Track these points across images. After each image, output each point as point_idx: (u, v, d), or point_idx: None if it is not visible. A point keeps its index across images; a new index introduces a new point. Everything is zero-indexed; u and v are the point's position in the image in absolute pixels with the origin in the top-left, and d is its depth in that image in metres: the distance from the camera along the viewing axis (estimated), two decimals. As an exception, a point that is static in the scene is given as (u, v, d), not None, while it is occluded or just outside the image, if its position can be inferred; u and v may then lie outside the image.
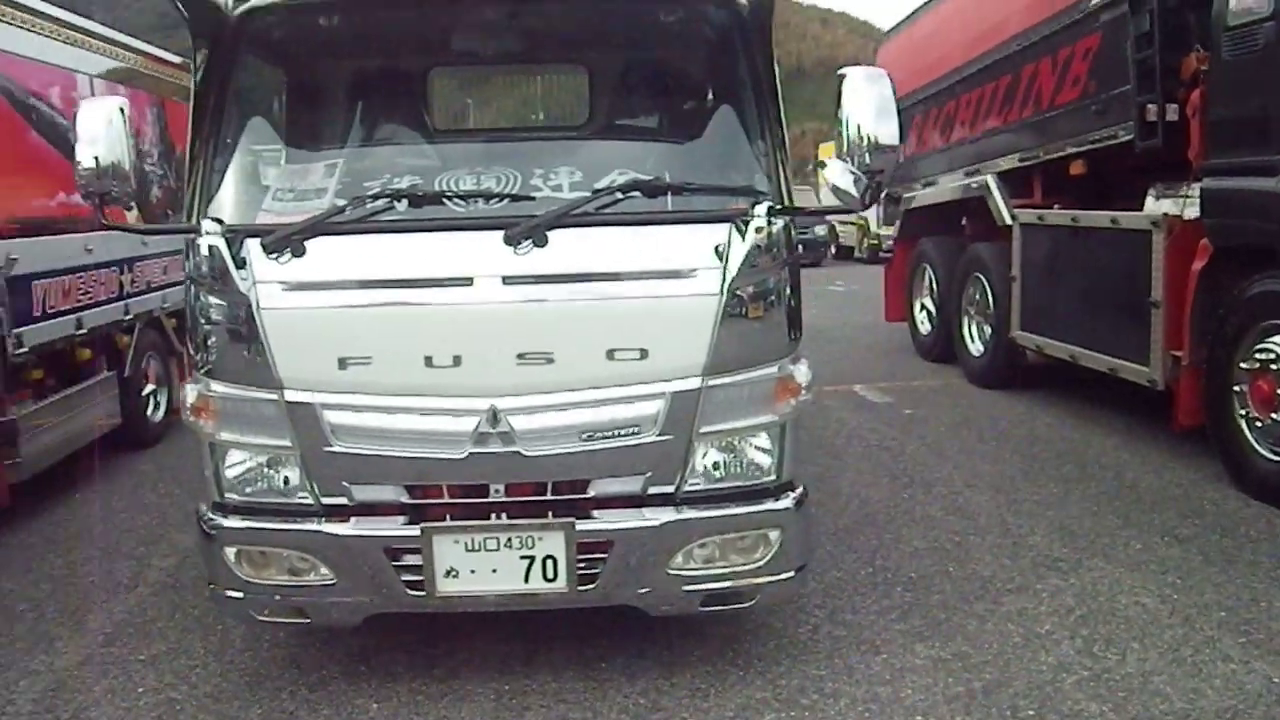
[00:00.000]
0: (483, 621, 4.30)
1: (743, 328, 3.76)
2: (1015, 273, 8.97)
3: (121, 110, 3.69)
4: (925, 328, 11.53)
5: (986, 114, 9.61)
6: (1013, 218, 8.97)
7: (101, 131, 3.63)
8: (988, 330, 9.73)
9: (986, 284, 9.67)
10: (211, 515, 3.90)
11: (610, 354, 3.66)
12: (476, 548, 3.71)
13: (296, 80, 4.53)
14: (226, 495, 3.88)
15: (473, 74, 4.63)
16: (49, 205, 6.99)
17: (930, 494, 6.44)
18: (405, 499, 3.78)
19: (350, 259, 3.68)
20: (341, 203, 3.80)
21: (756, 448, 3.87)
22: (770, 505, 3.85)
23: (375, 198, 3.77)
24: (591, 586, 3.77)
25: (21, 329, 6.31)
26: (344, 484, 3.77)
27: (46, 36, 6.95)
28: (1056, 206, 8.53)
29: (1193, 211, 6.56)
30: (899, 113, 3.58)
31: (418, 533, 3.70)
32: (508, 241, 3.57)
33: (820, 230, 29.61)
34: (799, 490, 3.96)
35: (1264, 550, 5.27)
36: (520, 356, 3.63)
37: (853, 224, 28.47)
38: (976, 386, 9.88)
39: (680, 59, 4.81)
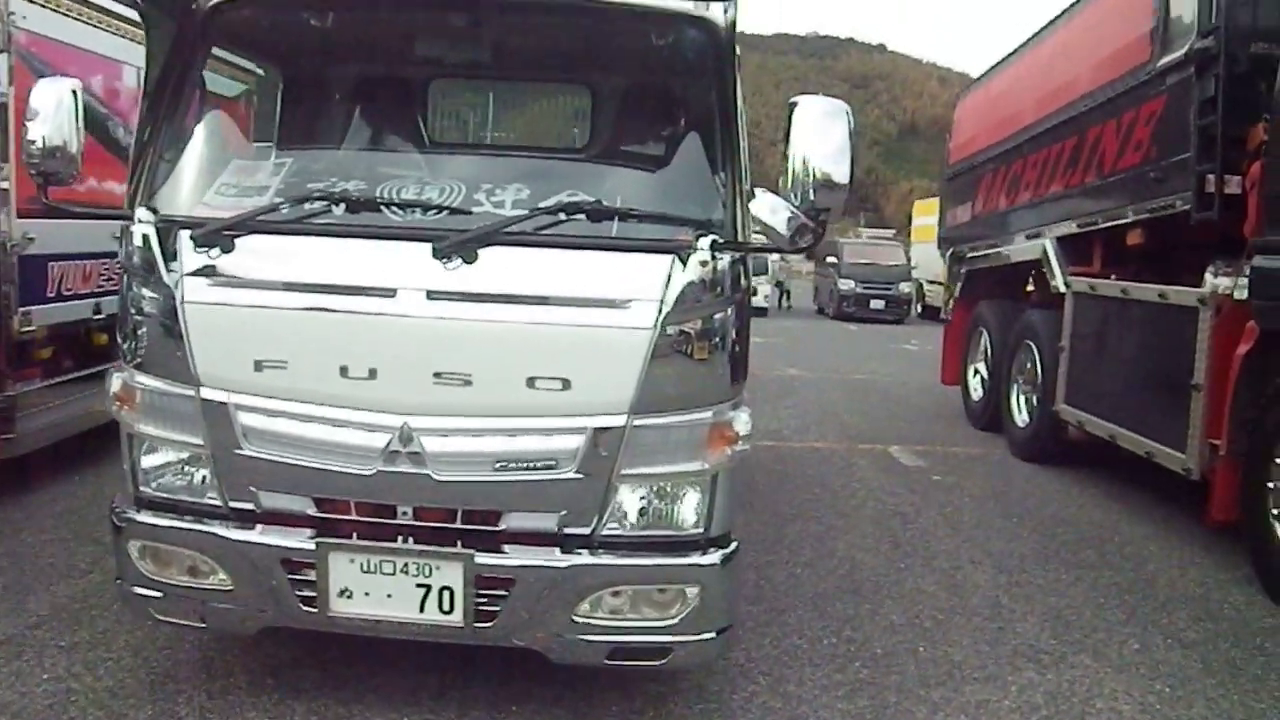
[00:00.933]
0: (407, 650, 4.08)
1: (676, 367, 3.50)
2: (1064, 343, 8.52)
3: (74, 92, 3.65)
4: (977, 394, 11.05)
5: (1051, 176, 9.17)
6: (1066, 285, 8.53)
7: (51, 112, 3.59)
8: (1034, 400, 9.25)
9: (1036, 352, 9.21)
10: (123, 508, 3.79)
11: (531, 381, 3.44)
12: (372, 570, 3.52)
13: (254, 77, 4.44)
14: (140, 489, 3.77)
15: (437, 84, 4.48)
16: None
17: (929, 567, 6.05)
18: (311, 511, 3.61)
19: (277, 259, 3.55)
20: (279, 201, 3.67)
21: (683, 497, 3.60)
22: (690, 560, 3.57)
23: (310, 200, 3.63)
24: (489, 625, 3.53)
25: (30, 307, 6.35)
26: (251, 489, 3.62)
27: (92, 25, 7.05)
28: (1114, 277, 8.07)
29: (1244, 292, 6.10)
30: (852, 149, 3.31)
31: (313, 547, 3.52)
32: (436, 255, 3.39)
33: (905, 287, 29.11)
34: (730, 547, 3.68)
35: (1277, 665, 4.78)
36: (437, 375, 3.44)
37: (940, 283, 27.91)
38: (1019, 459, 9.39)
39: (647, 80, 4.60)
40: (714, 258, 3.46)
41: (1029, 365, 9.41)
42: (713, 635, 3.65)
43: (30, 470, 6.65)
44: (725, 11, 3.62)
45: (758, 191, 3.36)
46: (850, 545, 6.40)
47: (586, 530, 3.54)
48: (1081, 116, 8.48)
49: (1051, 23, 9.77)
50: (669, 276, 3.43)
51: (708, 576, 3.59)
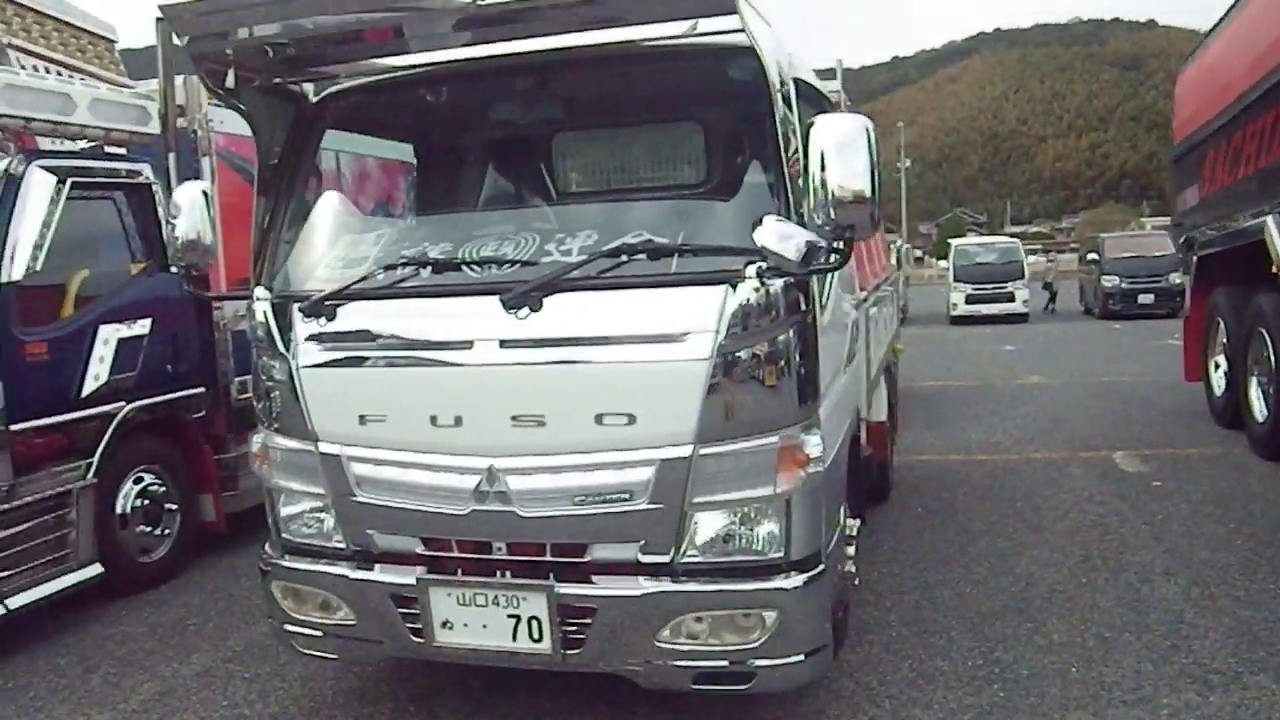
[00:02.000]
0: (531, 678, 4.31)
1: (738, 393, 3.54)
2: (1296, 328, 7.71)
3: (205, 194, 4.19)
4: (1219, 389, 10.14)
5: (1270, 144, 8.35)
6: (1293, 265, 7.72)
7: (187, 210, 4.13)
8: (1272, 392, 8.41)
9: (1268, 340, 8.38)
10: (268, 553, 4.26)
11: (599, 418, 3.60)
12: (467, 602, 3.78)
13: (351, 159, 4.84)
14: (280, 536, 4.24)
15: (514, 144, 4.74)
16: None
17: (1114, 581, 5.67)
18: (420, 550, 3.93)
19: (373, 322, 3.91)
20: (373, 270, 4.02)
21: (758, 522, 3.62)
22: (766, 584, 3.59)
23: (397, 266, 3.96)
24: (577, 651, 3.70)
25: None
26: (368, 532, 4.00)
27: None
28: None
29: None
30: (873, 159, 3.24)
31: (414, 583, 3.82)
32: (504, 306, 3.62)
33: (1176, 278, 26.86)
34: (816, 569, 3.67)
35: None
36: (514, 418, 3.67)
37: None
38: (1261, 458, 8.55)
39: (697, 116, 4.65)
40: (763, 283, 3.49)
41: (1265, 355, 8.57)
42: (800, 658, 3.64)
43: (252, 522, 7.39)
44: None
45: (766, 219, 3.34)
46: (1034, 561, 6.09)
47: (666, 558, 3.64)
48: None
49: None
50: (723, 307, 3.49)
51: (787, 600, 3.59)
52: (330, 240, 4.33)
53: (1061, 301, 31.01)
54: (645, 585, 3.63)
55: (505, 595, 3.72)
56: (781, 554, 3.62)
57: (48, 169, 5.96)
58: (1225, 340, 9.85)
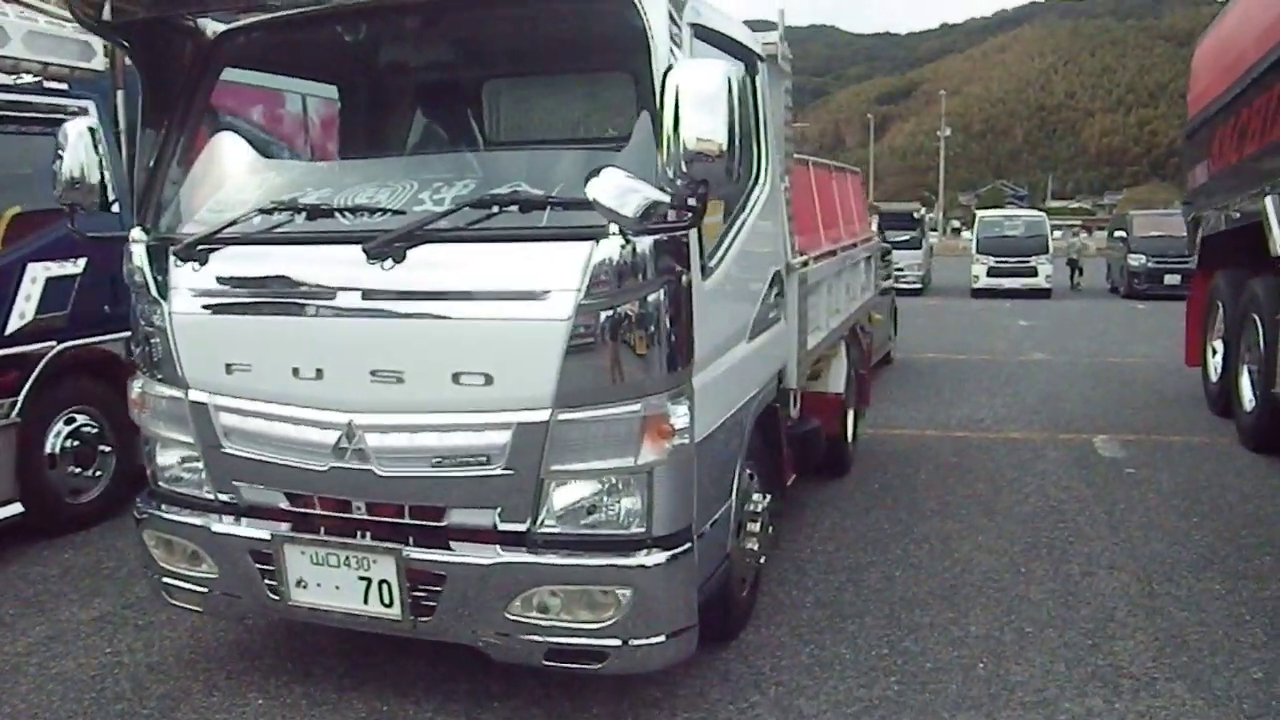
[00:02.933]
0: (407, 646, 4.15)
1: (599, 357, 3.33)
2: (1284, 315, 7.35)
3: (91, 129, 4.01)
4: (1215, 375, 9.76)
5: (1273, 121, 7.93)
6: (1289, 248, 7.34)
7: (71, 147, 3.94)
8: (1261, 381, 8.04)
9: (1260, 326, 8.01)
10: (141, 502, 4.12)
11: (456, 377, 3.42)
12: (320, 562, 3.65)
13: (256, 96, 4.62)
14: (157, 484, 4.09)
15: (402, 90, 4.49)
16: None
17: (1054, 573, 5.41)
18: (284, 505, 3.79)
19: (241, 269, 3.75)
20: (244, 214, 3.82)
21: (618, 494, 3.43)
22: (622, 560, 3.39)
23: (269, 211, 3.77)
24: (428, 619, 3.56)
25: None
26: (234, 484, 3.86)
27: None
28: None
29: None
30: (732, 110, 2.98)
31: (269, 538, 3.69)
32: (367, 255, 3.43)
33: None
34: (681, 547, 3.46)
35: None
36: (374, 374, 3.51)
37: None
38: (1247, 448, 8.21)
39: (579, 65, 4.40)
40: (627, 240, 3.25)
41: (1255, 341, 8.20)
42: (660, 639, 3.46)
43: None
44: None
45: (605, 171, 3.08)
46: (977, 546, 5.84)
47: (524, 527, 3.46)
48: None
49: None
50: (586, 264, 3.28)
51: (646, 578, 3.39)
52: (215, 182, 4.14)
53: (1087, 279, 30.36)
54: (496, 554, 3.46)
55: (356, 556, 3.58)
56: (643, 529, 3.43)
57: (-32, 102, 5.78)
58: (1224, 325, 9.46)
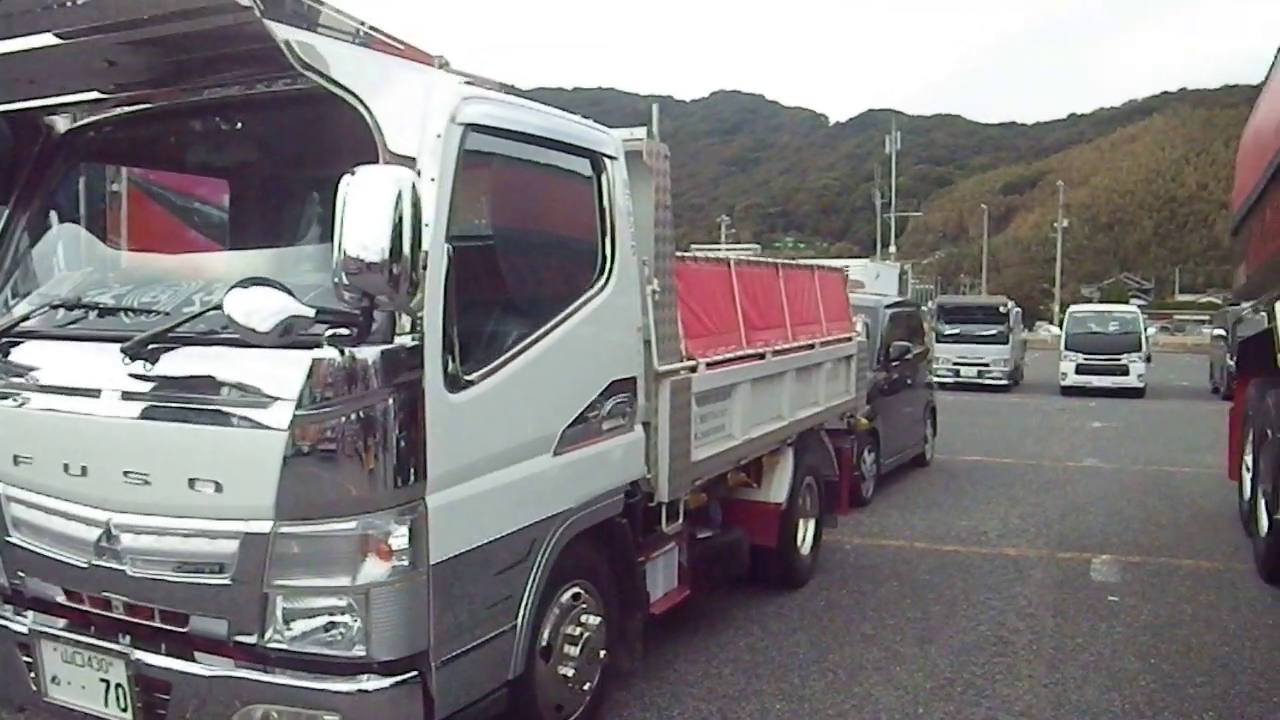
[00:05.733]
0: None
1: (318, 470, 3.20)
2: (1289, 432, 6.63)
3: None
4: (1247, 491, 8.91)
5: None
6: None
7: None
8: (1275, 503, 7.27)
9: (1275, 444, 7.26)
10: None
11: (192, 483, 3.34)
12: (69, 660, 3.63)
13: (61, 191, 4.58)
14: None
15: (197, 188, 4.45)
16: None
17: (952, 718, 4.84)
18: (60, 599, 3.74)
19: (29, 362, 3.80)
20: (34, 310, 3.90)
21: (336, 614, 3.22)
22: (335, 685, 3.19)
23: (57, 308, 3.84)
24: None
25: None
26: (19, 574, 3.83)
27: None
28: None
29: None
30: (400, 220, 2.90)
31: (27, 632, 3.69)
32: (125, 356, 3.43)
33: None
34: (404, 675, 3.23)
35: None
36: (126, 474, 3.47)
37: None
38: (1261, 577, 7.40)
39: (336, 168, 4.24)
40: (342, 351, 3.12)
41: (1273, 460, 7.44)
42: None
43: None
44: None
45: (244, 285, 2.98)
46: (886, 680, 5.30)
47: (253, 640, 3.31)
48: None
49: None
50: (307, 372, 3.14)
51: (356, 705, 3.19)
52: (36, 272, 4.19)
53: (1191, 377, 28.79)
54: (219, 666, 3.34)
55: (97, 658, 3.53)
56: (364, 652, 3.19)
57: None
58: (1252, 438, 8.66)
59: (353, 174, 2.95)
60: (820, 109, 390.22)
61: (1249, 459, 8.95)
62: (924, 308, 25.02)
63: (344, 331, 3.10)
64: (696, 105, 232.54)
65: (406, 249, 2.92)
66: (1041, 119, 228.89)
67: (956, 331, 26.26)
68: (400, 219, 2.89)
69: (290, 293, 3.01)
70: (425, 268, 3.11)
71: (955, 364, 25.89)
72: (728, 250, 14.75)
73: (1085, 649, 5.84)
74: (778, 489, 6.63)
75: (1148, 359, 25.60)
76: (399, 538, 3.18)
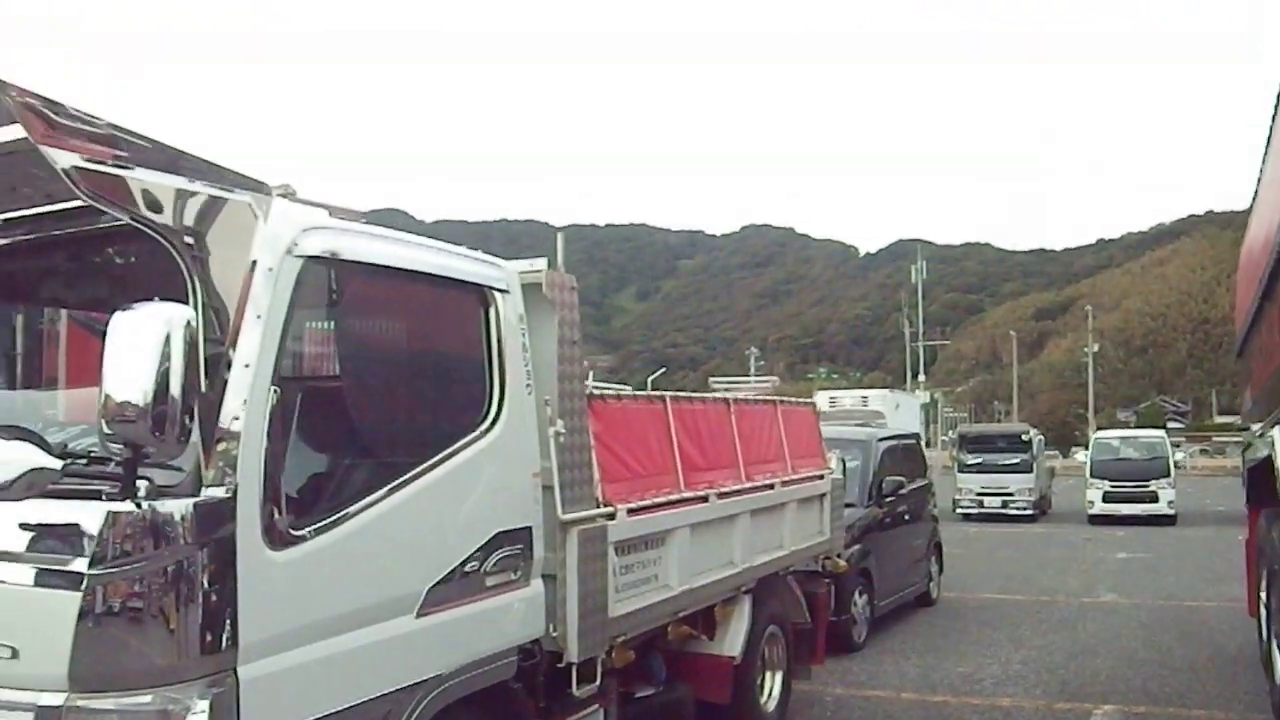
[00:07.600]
0: None
1: (111, 636, 2.81)
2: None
3: None
4: (1265, 631, 8.24)
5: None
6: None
7: None
8: (1287, 648, 6.65)
9: None
10: None
11: None
12: None
13: None
14: None
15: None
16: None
17: None
18: None
19: None
20: None
21: None
22: None
23: None
24: None
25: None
26: None
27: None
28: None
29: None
30: (166, 363, 2.66)
31: None
32: None
33: None
34: None
35: None
36: None
37: None
38: (1280, 730, 6.73)
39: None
40: (140, 506, 2.79)
41: (1283, 598, 6.85)
42: None
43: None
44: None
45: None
46: None
47: None
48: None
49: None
50: (101, 528, 2.80)
51: None
52: None
53: (1229, 500, 27.73)
54: None
55: None
56: None
57: None
58: (1266, 575, 8.04)
59: (123, 310, 2.67)
60: (850, 240, 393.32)
61: (1264, 594, 8.31)
62: (947, 436, 24.46)
63: (103, 487, 2.76)
64: (728, 239, 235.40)
65: (176, 393, 2.64)
66: (1070, 245, 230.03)
67: (979, 461, 25.68)
68: (167, 361, 2.63)
69: (42, 442, 2.70)
70: (202, 413, 2.80)
71: (979, 494, 25.24)
72: (757, 382, 14.30)
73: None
74: (732, 641, 6.12)
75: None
76: (198, 714, 2.77)
